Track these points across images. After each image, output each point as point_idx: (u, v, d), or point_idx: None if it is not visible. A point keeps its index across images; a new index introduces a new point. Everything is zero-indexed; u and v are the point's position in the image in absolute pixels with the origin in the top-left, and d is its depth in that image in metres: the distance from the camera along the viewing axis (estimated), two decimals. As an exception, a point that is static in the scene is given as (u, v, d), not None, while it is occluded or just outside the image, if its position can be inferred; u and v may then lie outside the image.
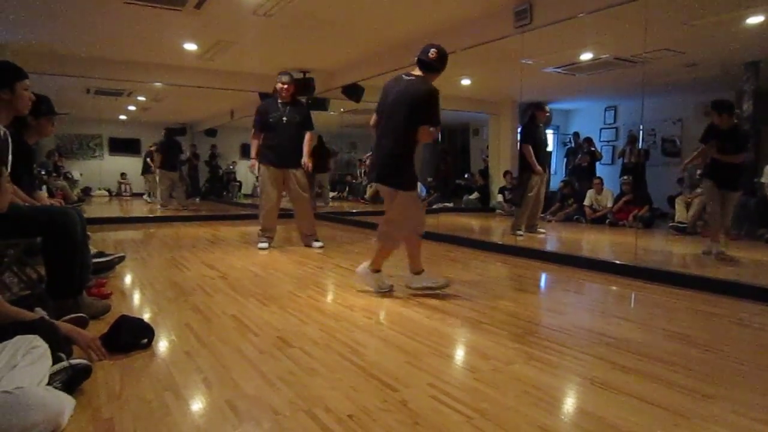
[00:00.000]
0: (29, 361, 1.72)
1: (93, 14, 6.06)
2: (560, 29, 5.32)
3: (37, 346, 1.79)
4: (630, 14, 4.93)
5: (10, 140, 2.62)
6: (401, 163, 3.46)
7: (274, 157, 5.52)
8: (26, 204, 2.95)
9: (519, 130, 7.08)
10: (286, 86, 5.53)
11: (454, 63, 7.35)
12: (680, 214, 7.56)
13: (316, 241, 5.74)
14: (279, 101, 5.58)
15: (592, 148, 10.14)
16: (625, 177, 8.86)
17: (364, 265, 3.63)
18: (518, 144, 6.97)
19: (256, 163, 5.70)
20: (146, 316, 2.89)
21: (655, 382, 2.10)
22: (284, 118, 5.51)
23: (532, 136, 6.77)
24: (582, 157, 10.19)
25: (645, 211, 8.09)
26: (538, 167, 6.63)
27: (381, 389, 1.98)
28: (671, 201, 8.15)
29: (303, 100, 5.99)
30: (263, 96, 8.50)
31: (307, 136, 5.63)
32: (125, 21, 6.31)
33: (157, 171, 11.79)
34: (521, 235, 6.60)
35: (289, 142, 5.51)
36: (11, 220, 2.41)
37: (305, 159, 5.58)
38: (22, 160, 2.94)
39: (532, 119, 6.88)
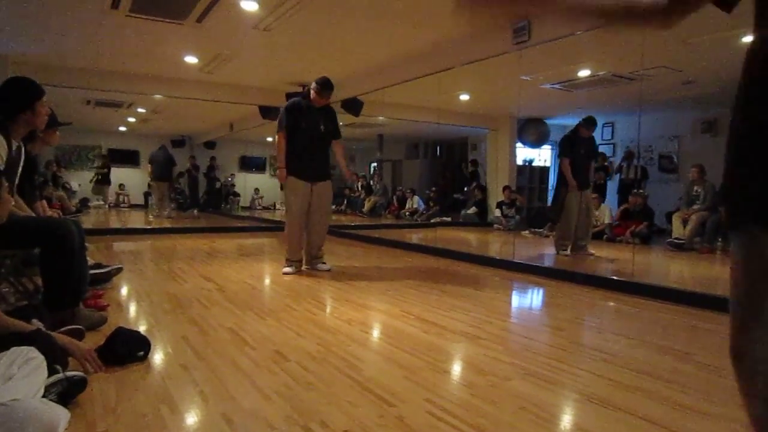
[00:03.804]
0: (25, 373, 1.71)
1: (95, 26, 6.11)
2: (558, 46, 5.38)
3: (33, 358, 1.78)
4: (628, 31, 4.98)
5: (22, 154, 2.65)
6: None
7: (306, 169, 4.89)
8: (25, 215, 2.96)
9: (559, 143, 6.84)
10: (325, 101, 4.95)
11: (453, 78, 7.47)
12: (677, 230, 7.59)
13: (323, 263, 5.14)
14: (310, 105, 4.91)
15: (606, 164, 9.79)
16: (635, 190, 8.80)
17: None
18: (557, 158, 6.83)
19: (284, 173, 4.92)
20: (143, 329, 2.88)
21: (652, 399, 2.10)
22: (321, 126, 4.91)
23: (572, 151, 6.42)
24: (597, 174, 9.85)
25: (643, 227, 8.10)
26: (573, 183, 6.32)
27: (378, 404, 1.97)
28: (668, 217, 8.18)
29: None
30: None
31: (340, 146, 5.17)
32: (127, 33, 6.36)
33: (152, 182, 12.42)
34: (567, 255, 6.36)
35: (321, 152, 4.99)
36: (10, 231, 2.41)
37: (346, 171, 5.31)
38: (24, 170, 2.96)
39: (575, 133, 6.54)
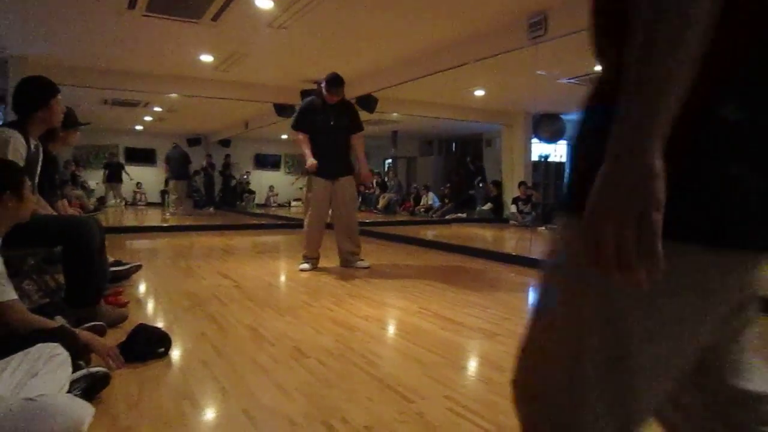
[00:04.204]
0: (50, 369, 1.74)
1: (112, 26, 6.17)
2: (575, 40, 5.33)
3: (58, 354, 1.81)
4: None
5: (41, 152, 2.68)
6: None
7: (325, 167, 4.84)
8: (47, 213, 3.00)
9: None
10: (336, 98, 4.87)
11: (468, 74, 7.43)
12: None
13: (361, 260, 5.06)
14: (325, 103, 4.87)
15: None
16: None
17: None
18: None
19: (314, 162, 4.81)
20: (162, 325, 2.91)
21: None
22: (332, 122, 4.85)
23: None
24: None
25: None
26: None
27: (397, 401, 1.98)
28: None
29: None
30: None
31: (359, 140, 5.07)
32: (143, 33, 6.42)
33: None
34: None
35: (338, 148, 4.91)
36: (33, 229, 2.44)
37: (364, 169, 5.18)
38: (45, 170, 3.00)
39: None
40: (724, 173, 0.66)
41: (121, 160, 16.33)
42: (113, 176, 14.44)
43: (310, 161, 4.81)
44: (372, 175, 4.99)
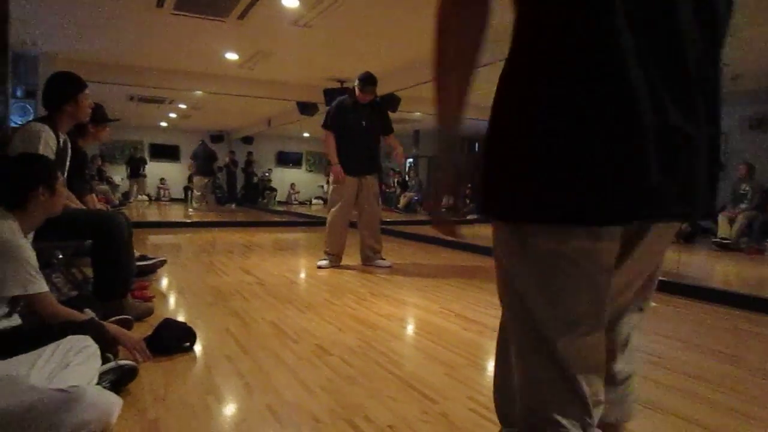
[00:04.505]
0: (80, 361, 1.78)
1: (139, 25, 6.26)
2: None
3: (88, 346, 1.84)
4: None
5: (69, 147, 2.73)
6: None
7: (351, 165, 4.88)
8: (77, 207, 3.06)
9: None
10: (369, 96, 4.89)
11: (493, 73, 7.38)
12: (723, 229, 7.36)
13: (382, 259, 5.13)
14: (357, 102, 4.90)
15: None
16: None
17: None
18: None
19: (340, 169, 4.89)
20: (186, 320, 2.94)
21: (700, 402, 2.05)
22: (363, 122, 4.89)
23: None
24: None
25: (686, 225, 7.88)
26: None
27: (420, 400, 1.98)
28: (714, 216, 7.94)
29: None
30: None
31: (392, 138, 5.14)
32: (171, 31, 6.49)
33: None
34: None
35: (367, 148, 4.97)
36: (65, 223, 2.49)
37: (399, 150, 5.12)
38: (75, 165, 3.05)
39: None
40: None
41: (146, 155, 16.61)
42: (135, 171, 14.79)
43: (336, 171, 4.87)
44: (402, 156, 5.00)
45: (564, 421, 0.84)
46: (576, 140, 0.76)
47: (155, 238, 7.19)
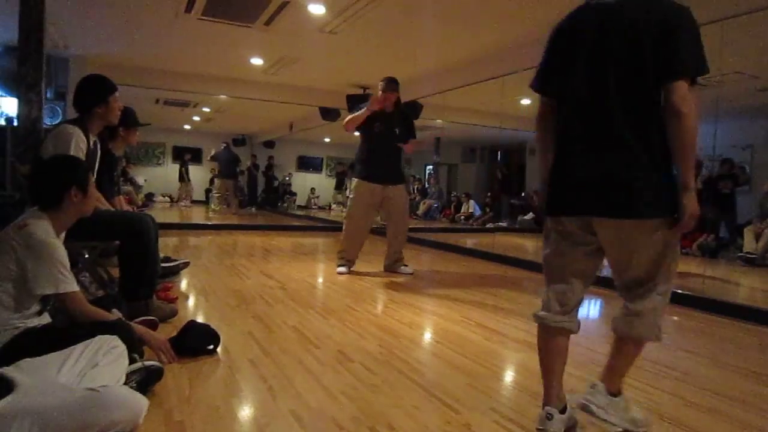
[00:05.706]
0: (109, 361, 1.80)
1: (168, 29, 6.36)
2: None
3: (116, 346, 1.87)
4: (704, 35, 4.78)
5: (98, 149, 2.78)
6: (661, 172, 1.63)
7: (377, 171, 4.85)
8: (106, 209, 3.11)
9: None
10: (393, 96, 4.83)
11: (516, 82, 7.35)
12: (749, 244, 7.22)
13: (405, 266, 5.11)
14: (383, 110, 4.83)
15: (734, 171, 8.56)
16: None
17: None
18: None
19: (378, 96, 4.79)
20: (210, 322, 2.97)
21: (724, 421, 2.01)
22: (388, 130, 4.85)
23: None
24: (724, 183, 8.46)
25: (710, 239, 7.75)
26: None
27: (443, 410, 1.97)
28: (740, 230, 7.79)
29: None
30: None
31: (415, 142, 5.07)
32: (198, 36, 6.59)
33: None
34: None
35: (391, 156, 4.95)
36: (94, 223, 2.53)
37: (413, 142, 5.04)
38: (105, 167, 3.10)
39: None
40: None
41: (168, 158, 16.87)
42: (182, 176, 15.47)
43: (374, 98, 4.80)
44: (414, 147, 4.99)
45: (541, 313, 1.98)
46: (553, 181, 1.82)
47: (177, 240, 7.26)
